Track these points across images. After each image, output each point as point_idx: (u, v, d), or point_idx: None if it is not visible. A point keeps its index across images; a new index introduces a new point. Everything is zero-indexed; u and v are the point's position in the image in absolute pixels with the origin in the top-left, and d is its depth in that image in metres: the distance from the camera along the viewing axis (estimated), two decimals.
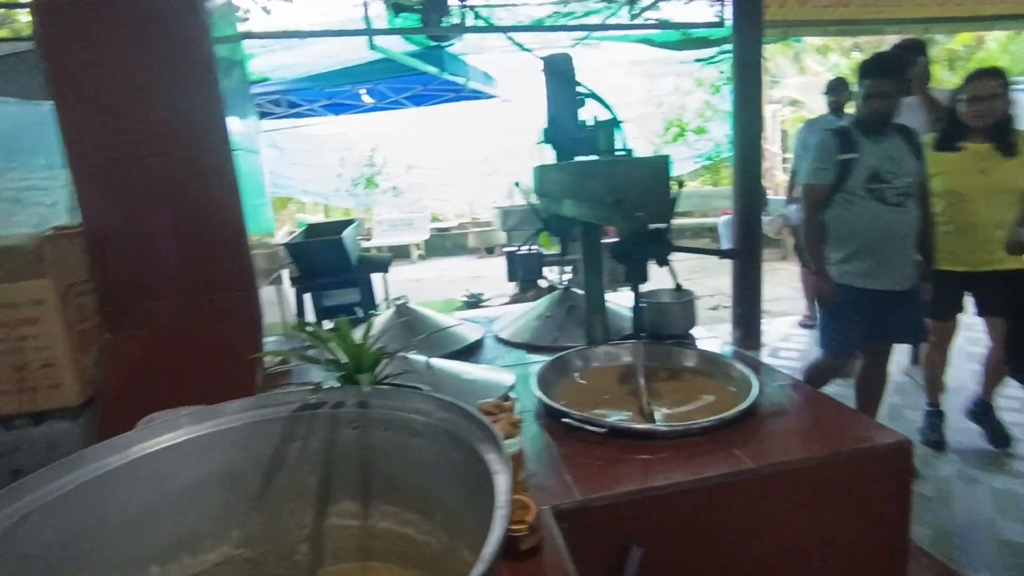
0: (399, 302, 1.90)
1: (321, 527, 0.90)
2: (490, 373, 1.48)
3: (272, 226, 1.93)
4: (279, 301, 1.95)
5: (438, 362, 1.40)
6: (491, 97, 7.39)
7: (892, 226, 2.38)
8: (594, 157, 1.62)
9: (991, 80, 2.52)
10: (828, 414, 1.33)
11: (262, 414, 0.87)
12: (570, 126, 1.57)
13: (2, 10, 3.06)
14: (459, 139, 10.58)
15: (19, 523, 0.65)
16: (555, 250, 3.60)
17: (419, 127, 9.96)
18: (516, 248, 2.13)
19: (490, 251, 8.90)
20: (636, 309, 1.36)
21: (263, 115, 6.84)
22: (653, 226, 1.25)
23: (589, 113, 1.64)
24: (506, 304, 3.46)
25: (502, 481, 0.62)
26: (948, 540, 2.08)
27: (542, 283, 3.22)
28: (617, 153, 1.51)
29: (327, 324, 2.20)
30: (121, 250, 1.35)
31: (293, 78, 5.72)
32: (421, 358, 1.35)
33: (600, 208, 1.32)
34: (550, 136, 1.62)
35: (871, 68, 2.39)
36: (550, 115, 1.62)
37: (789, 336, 4.17)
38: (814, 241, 2.53)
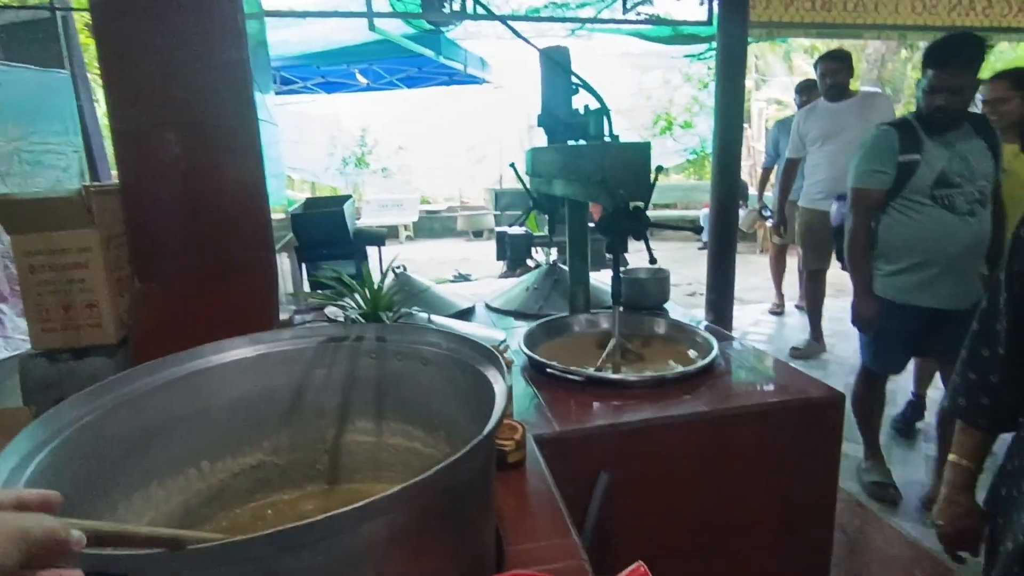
0: (398, 270, 2.05)
1: (340, 442, 1.07)
2: (484, 330, 1.65)
3: (286, 198, 2.06)
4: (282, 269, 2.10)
5: (437, 318, 1.57)
6: (484, 82, 7.51)
7: (961, 238, 2.04)
8: (582, 142, 1.79)
9: (1003, 82, 2.47)
10: (779, 374, 1.53)
11: (295, 343, 1.03)
12: (563, 113, 1.73)
13: None
14: (450, 123, 10.69)
15: (109, 412, 0.82)
16: (543, 232, 3.78)
17: (411, 109, 10.05)
18: (511, 226, 2.29)
19: (478, 235, 9.05)
20: (615, 278, 1.53)
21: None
22: (633, 204, 1.43)
23: (580, 101, 1.80)
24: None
25: (501, 388, 0.79)
26: None
27: (530, 263, 3.40)
28: (605, 139, 1.68)
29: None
30: (152, 208, 1.49)
31: (290, 55, 5.79)
32: (423, 314, 1.51)
33: (588, 186, 1.48)
34: (544, 121, 1.78)
35: (935, 57, 2.03)
36: (545, 102, 1.78)
37: (759, 321, 4.44)
38: (861, 254, 2.21)
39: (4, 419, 1.10)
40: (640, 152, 1.41)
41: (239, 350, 0.99)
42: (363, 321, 1.07)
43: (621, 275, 1.57)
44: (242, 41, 1.44)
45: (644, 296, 1.95)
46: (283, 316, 1.76)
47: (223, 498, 0.98)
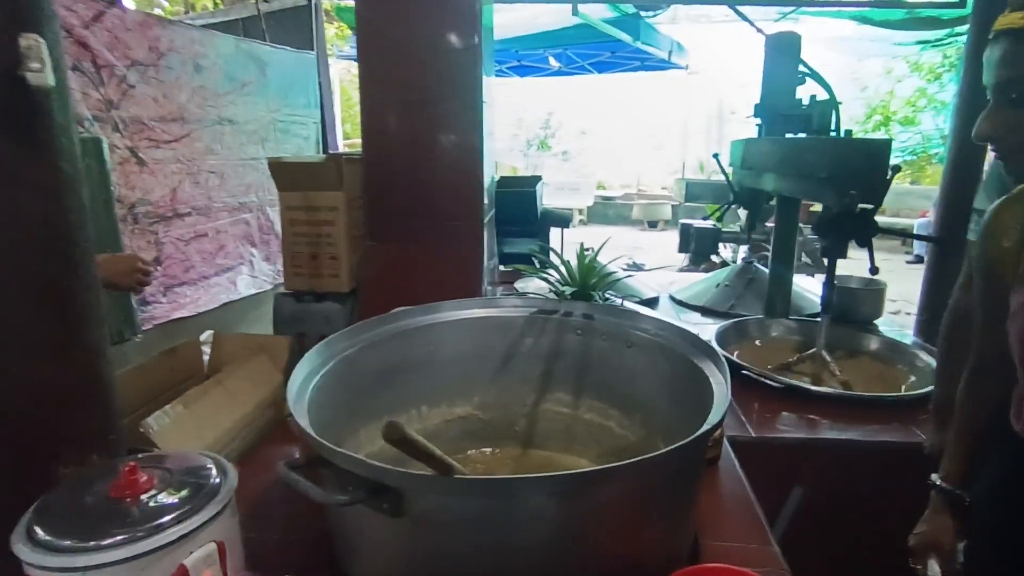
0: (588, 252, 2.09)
1: (538, 409, 1.14)
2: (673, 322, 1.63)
3: (492, 176, 2.18)
4: None
5: (629, 304, 1.58)
6: (676, 68, 7.25)
7: None
8: (802, 135, 1.67)
9: None
10: None
11: (510, 312, 1.11)
12: (786, 103, 1.63)
13: None
14: (633, 109, 10.49)
15: (363, 349, 0.95)
16: (730, 228, 3.59)
17: (597, 94, 10.02)
18: (705, 219, 2.22)
19: (653, 225, 8.84)
20: (829, 285, 1.42)
21: None
22: (861, 206, 1.31)
23: (803, 92, 1.68)
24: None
25: (723, 385, 0.78)
26: None
27: (715, 259, 3.26)
28: (831, 134, 1.55)
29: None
30: (387, 176, 1.67)
31: (494, 40, 6.07)
32: (616, 298, 1.53)
33: (808, 183, 1.39)
34: (762, 111, 1.69)
35: None
36: (766, 90, 1.68)
37: None
38: None
39: (268, 343, 1.33)
40: (878, 150, 1.29)
41: (465, 310, 1.08)
42: (571, 298, 1.11)
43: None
44: (476, 28, 1.54)
45: (854, 308, 1.78)
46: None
47: (434, 442, 1.08)
